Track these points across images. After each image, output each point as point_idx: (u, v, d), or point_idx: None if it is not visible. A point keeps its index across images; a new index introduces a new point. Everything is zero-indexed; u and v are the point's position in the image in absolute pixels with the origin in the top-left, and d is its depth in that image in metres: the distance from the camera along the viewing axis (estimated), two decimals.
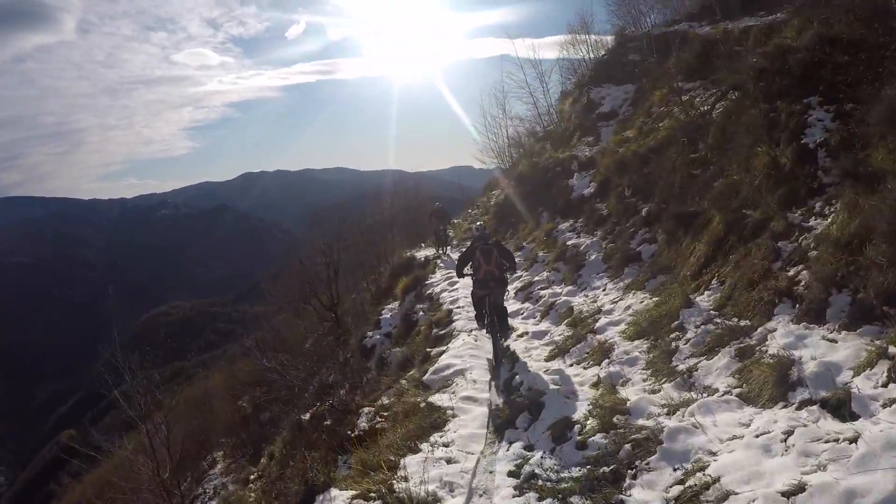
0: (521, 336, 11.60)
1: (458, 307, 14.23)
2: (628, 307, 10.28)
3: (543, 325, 11.89)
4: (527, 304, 13.57)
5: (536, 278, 14.93)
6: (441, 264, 21.07)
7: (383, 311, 19.29)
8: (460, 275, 10.91)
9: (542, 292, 13.59)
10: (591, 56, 31.01)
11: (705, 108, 13.89)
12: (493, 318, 10.28)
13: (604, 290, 12.02)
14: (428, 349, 12.01)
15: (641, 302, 10.12)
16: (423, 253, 25.03)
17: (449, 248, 23.40)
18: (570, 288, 13.16)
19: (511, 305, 13.51)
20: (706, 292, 8.89)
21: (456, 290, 16.02)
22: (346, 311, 26.99)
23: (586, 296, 12.22)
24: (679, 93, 15.36)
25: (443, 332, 13.02)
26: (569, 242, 15.33)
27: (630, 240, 13.00)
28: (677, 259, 10.67)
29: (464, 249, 11.49)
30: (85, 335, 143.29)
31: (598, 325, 10.03)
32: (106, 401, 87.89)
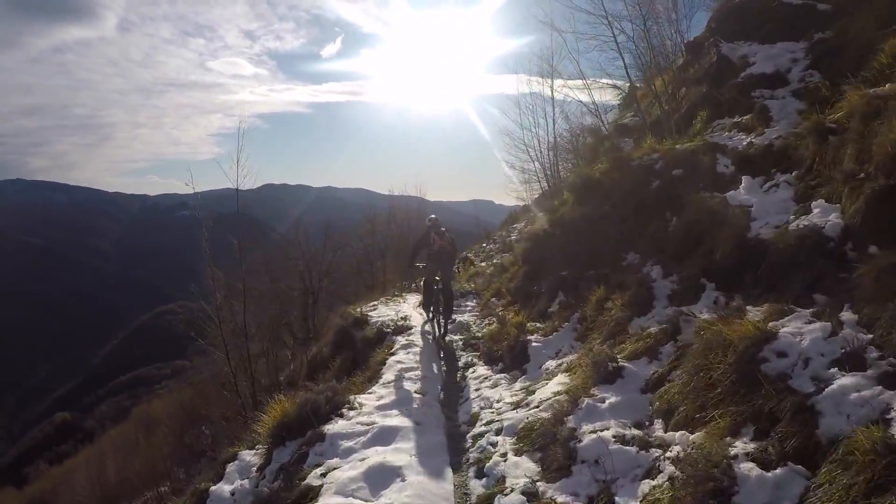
0: None
1: None
2: None
3: None
4: None
5: None
6: (403, 351, 9.75)
7: (238, 458, 7.25)
8: (411, 265, 11.93)
9: None
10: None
11: None
12: (439, 303, 10.87)
13: None
14: None
15: None
16: (387, 311, 14.04)
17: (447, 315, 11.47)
18: None
19: None
20: None
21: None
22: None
23: None
24: None
25: None
26: None
27: None
28: None
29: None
30: (88, 323, 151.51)
31: None
32: (104, 389, 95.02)
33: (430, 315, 11.35)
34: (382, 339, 11.21)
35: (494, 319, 10.89)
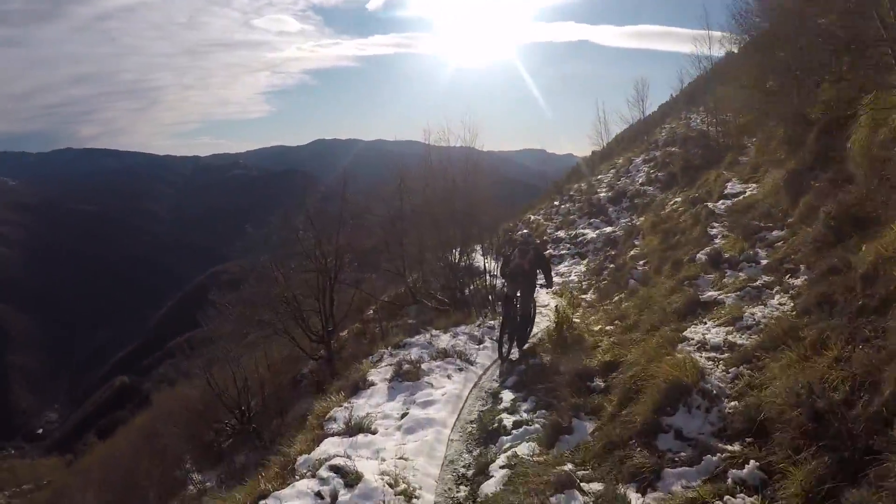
0: None
1: None
2: None
3: None
4: None
5: None
6: None
7: None
8: (503, 275, 10.99)
9: None
10: None
11: None
12: (514, 321, 9.98)
13: None
14: None
15: None
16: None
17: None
18: None
19: None
20: None
21: None
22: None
23: None
24: None
25: None
26: None
27: None
28: None
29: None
30: (146, 287, 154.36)
31: None
32: (161, 351, 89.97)
33: (504, 332, 10.08)
34: None
35: None
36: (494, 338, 10.59)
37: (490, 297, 16.20)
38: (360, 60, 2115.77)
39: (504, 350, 9.82)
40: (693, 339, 6.52)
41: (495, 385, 8.47)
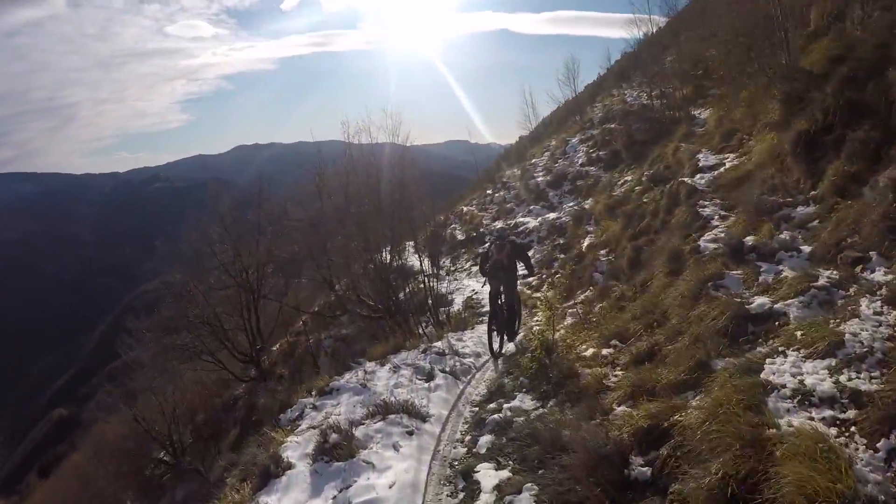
0: None
1: None
2: None
3: None
4: None
5: None
6: None
7: None
8: (483, 272, 10.77)
9: None
10: None
11: None
12: (501, 315, 9.90)
13: None
14: None
15: None
16: None
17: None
18: None
19: None
20: None
21: None
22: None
23: None
24: None
25: None
26: None
27: None
28: None
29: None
30: (76, 312, 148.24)
31: None
32: (98, 377, 79.42)
33: (492, 328, 9.88)
34: None
35: None
36: (447, 368, 9.02)
37: (429, 302, 14.44)
38: (277, 62, 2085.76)
39: (495, 346, 9.68)
40: (783, 385, 4.03)
41: (462, 451, 5.82)
